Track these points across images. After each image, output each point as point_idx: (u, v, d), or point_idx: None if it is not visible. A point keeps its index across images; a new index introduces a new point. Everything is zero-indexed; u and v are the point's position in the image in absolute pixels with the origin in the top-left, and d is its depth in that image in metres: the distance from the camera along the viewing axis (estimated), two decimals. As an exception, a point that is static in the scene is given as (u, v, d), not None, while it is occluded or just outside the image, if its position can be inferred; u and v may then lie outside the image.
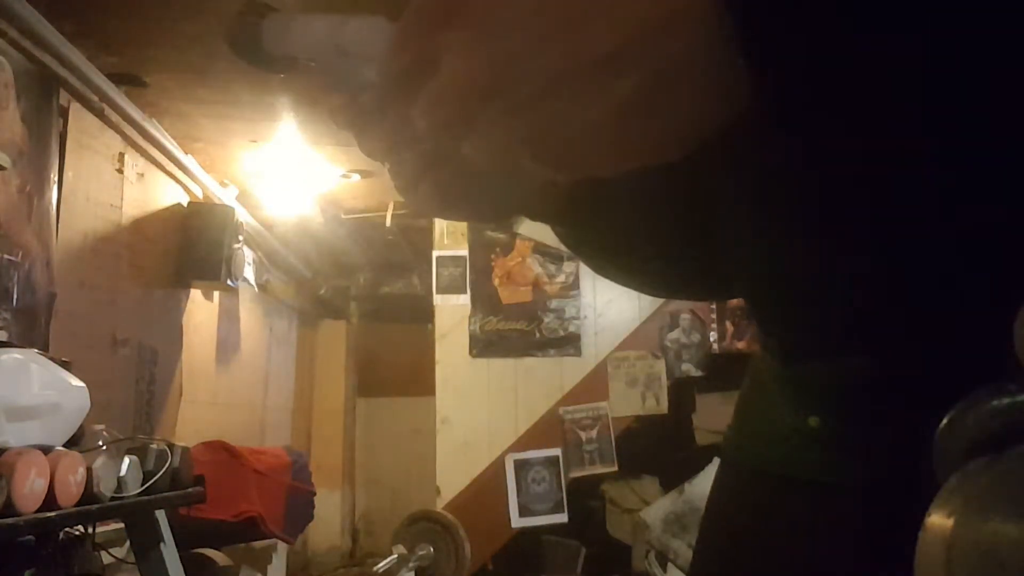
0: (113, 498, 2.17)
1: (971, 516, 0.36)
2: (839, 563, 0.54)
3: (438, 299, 5.36)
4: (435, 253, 5.30)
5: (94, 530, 2.38)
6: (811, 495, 0.56)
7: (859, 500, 0.53)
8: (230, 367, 5.43)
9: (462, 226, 5.30)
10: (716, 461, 0.72)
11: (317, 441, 7.19)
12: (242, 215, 5.02)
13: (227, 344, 5.36)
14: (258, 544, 4.10)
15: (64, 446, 2.08)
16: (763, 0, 0.38)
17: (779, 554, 0.59)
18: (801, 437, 0.57)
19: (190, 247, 4.51)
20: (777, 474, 0.60)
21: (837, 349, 0.54)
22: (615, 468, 5.05)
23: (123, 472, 2.23)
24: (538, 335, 5.28)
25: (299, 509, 4.07)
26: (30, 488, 1.84)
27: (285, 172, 4.97)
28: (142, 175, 3.99)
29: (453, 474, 5.26)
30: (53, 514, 1.92)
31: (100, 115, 3.49)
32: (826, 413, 0.56)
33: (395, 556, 4.77)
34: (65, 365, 2.21)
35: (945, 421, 0.39)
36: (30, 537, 2.05)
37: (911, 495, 0.45)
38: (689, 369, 5.09)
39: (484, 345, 5.30)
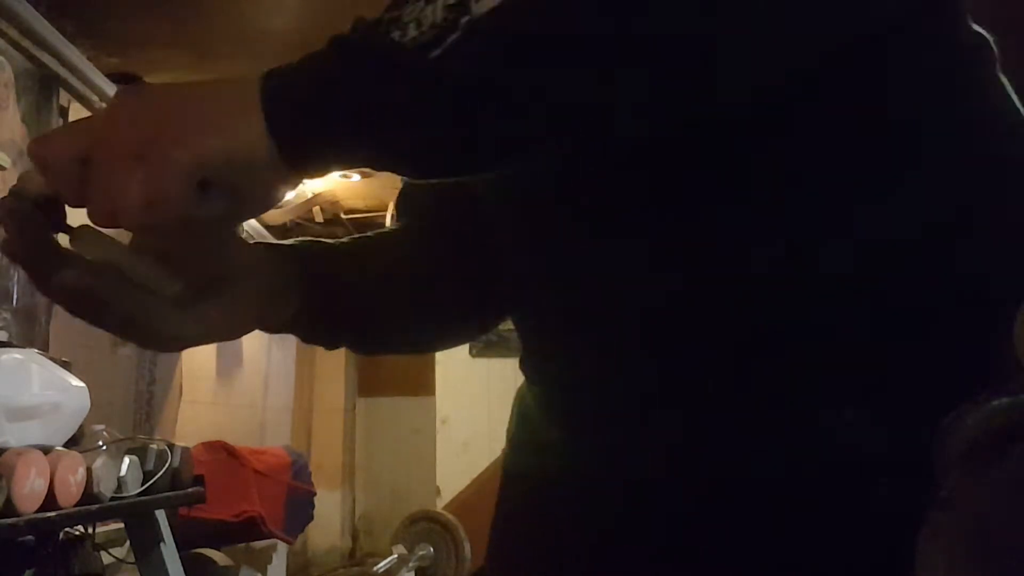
0: (113, 498, 2.16)
1: (972, 515, 0.36)
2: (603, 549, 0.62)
3: (438, 299, 5.35)
4: (435, 253, 5.29)
5: (94, 530, 2.38)
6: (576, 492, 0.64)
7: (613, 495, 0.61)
8: (230, 367, 5.42)
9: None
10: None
11: (317, 441, 7.19)
12: (242, 215, 5.01)
13: (227, 344, 5.36)
14: (258, 544, 4.10)
15: (64, 446, 2.08)
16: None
17: (549, 548, 0.66)
18: (558, 445, 0.66)
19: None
20: (541, 479, 0.68)
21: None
22: (615, 468, 5.04)
23: (123, 472, 2.22)
24: (538, 335, 5.28)
25: (299, 509, 4.07)
26: (30, 488, 1.84)
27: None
28: (142, 175, 3.99)
29: (453, 474, 5.26)
30: (53, 514, 1.92)
31: (100, 115, 3.49)
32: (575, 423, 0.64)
33: (395, 556, 4.77)
34: (65, 365, 2.20)
35: (945, 421, 0.39)
36: (30, 537, 2.05)
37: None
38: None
39: (484, 345, 5.30)
